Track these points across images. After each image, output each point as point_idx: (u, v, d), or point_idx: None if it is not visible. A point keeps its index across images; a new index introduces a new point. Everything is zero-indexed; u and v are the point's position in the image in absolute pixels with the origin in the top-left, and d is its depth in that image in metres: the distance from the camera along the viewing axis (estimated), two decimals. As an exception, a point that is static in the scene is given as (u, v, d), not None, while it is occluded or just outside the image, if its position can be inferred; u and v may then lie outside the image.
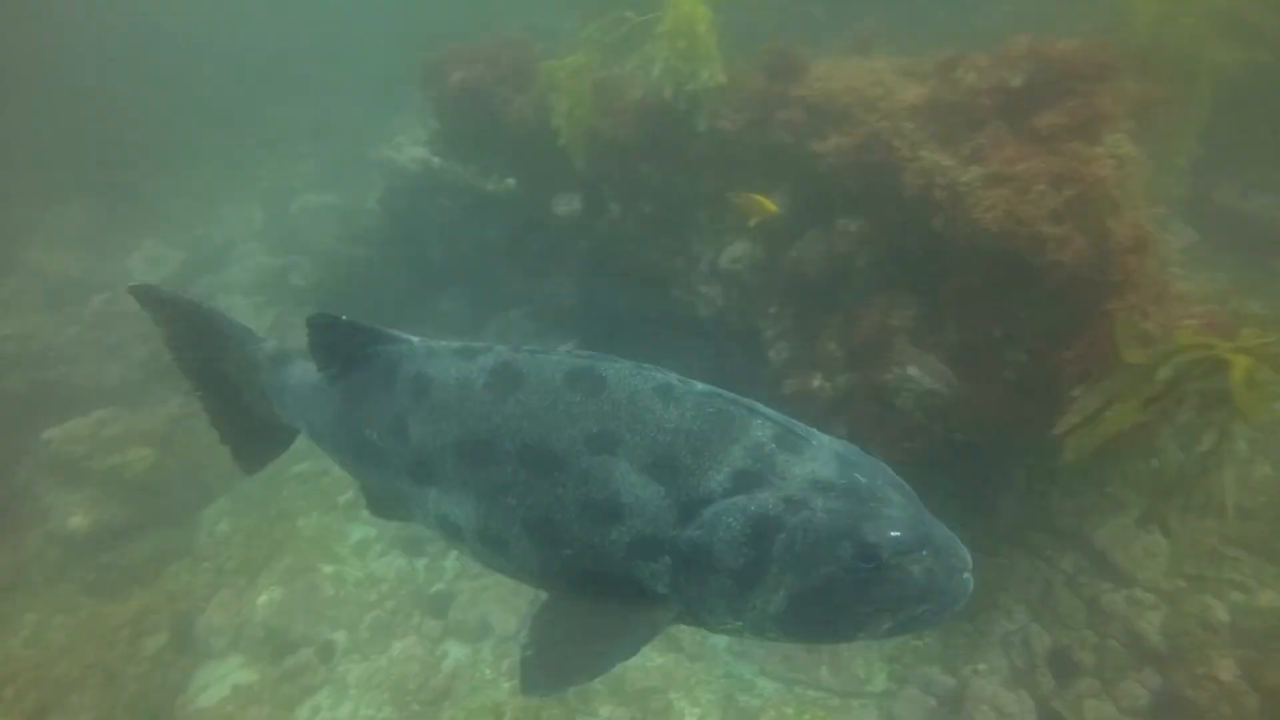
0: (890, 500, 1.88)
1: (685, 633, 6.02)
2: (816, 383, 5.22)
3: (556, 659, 1.92)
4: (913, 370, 4.58)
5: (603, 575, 2.00)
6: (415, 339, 2.39)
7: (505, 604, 6.42)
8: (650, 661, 5.91)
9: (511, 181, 7.22)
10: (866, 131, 4.78)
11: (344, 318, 2.40)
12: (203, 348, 2.98)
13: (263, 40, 15.92)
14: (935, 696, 5.47)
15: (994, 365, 4.53)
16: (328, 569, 7.02)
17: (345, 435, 2.48)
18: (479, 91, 6.42)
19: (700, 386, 2.05)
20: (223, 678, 6.27)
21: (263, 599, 6.62)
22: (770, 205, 5.28)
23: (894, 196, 4.62)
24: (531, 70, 6.25)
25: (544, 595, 2.14)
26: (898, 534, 1.82)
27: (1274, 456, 6.44)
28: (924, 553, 1.83)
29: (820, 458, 1.93)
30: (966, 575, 1.86)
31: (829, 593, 1.82)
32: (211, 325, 2.93)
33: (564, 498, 2.00)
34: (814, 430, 2.02)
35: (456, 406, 2.17)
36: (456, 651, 6.30)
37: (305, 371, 2.73)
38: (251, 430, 3.01)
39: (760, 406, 2.03)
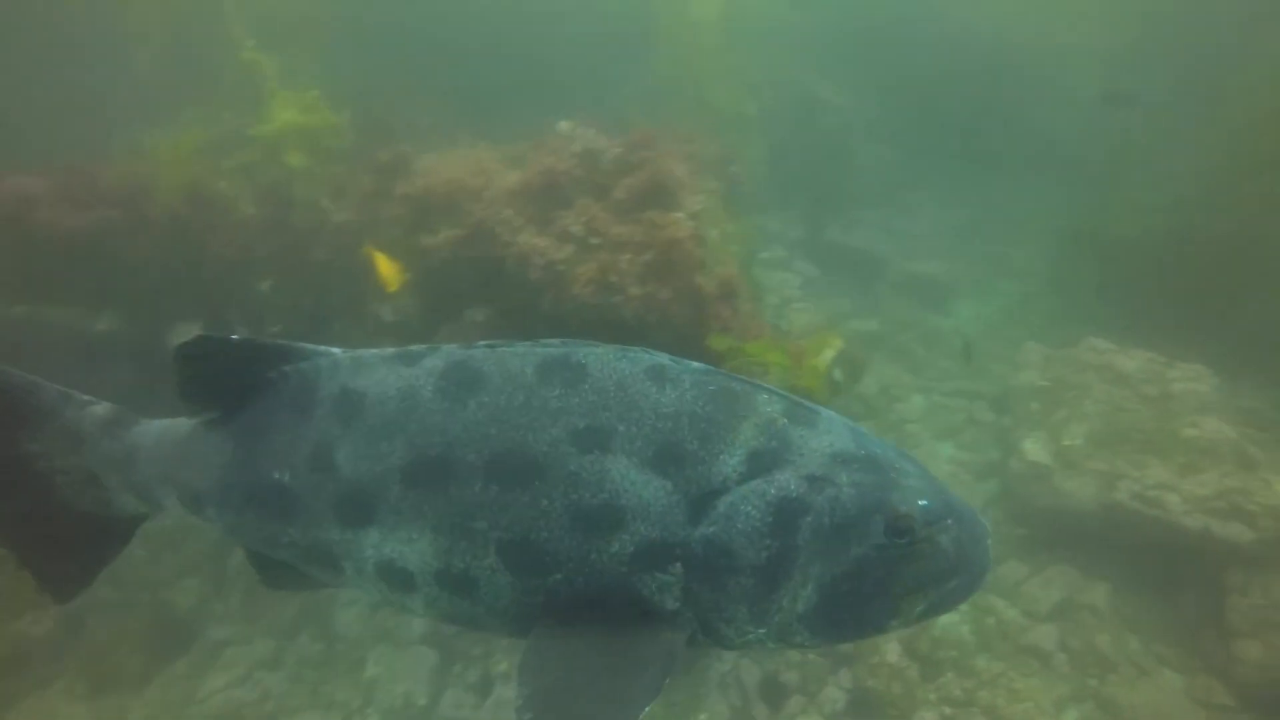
0: (907, 470, 1.77)
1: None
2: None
3: (567, 717, 1.55)
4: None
5: (599, 599, 1.68)
6: (337, 350, 2.00)
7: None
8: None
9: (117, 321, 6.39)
10: (473, 221, 4.85)
11: (235, 337, 2.00)
12: None
13: None
14: (663, 760, 5.43)
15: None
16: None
17: (242, 487, 1.99)
18: (41, 218, 5.61)
19: (696, 364, 1.82)
20: None
21: None
22: (394, 275, 5.04)
23: (508, 282, 4.70)
24: (110, 183, 5.62)
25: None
26: (925, 502, 1.70)
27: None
28: (949, 521, 1.72)
29: (835, 430, 1.78)
30: (989, 542, 1.78)
31: (861, 577, 1.65)
32: (10, 390, 2.14)
33: (549, 510, 1.69)
34: (817, 404, 1.87)
35: (401, 421, 1.81)
36: None
37: (166, 427, 2.18)
38: (70, 536, 2.23)
39: (761, 382, 1.84)
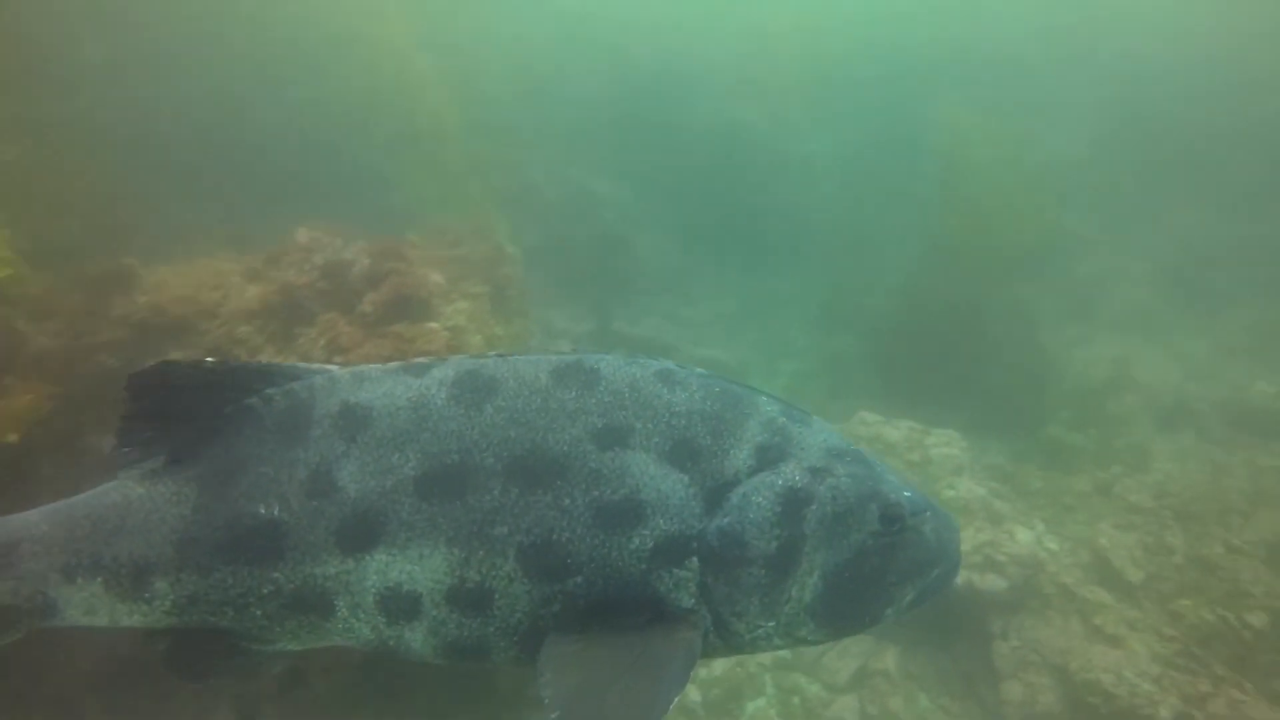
0: (885, 466, 1.91)
1: None
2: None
3: (598, 711, 1.55)
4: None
5: (616, 604, 1.72)
6: (334, 367, 1.95)
7: None
8: None
9: None
10: (209, 343, 4.37)
11: (209, 360, 1.88)
12: None
13: None
14: None
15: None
16: None
17: (212, 537, 1.78)
18: None
19: (699, 369, 1.96)
20: None
21: None
22: None
23: (248, 405, 4.25)
24: None
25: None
26: (909, 494, 1.85)
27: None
28: (929, 513, 1.85)
29: (825, 429, 1.92)
30: (960, 534, 1.92)
31: (860, 565, 1.77)
32: None
33: (571, 509, 1.73)
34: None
35: (413, 431, 1.79)
36: None
37: (65, 509, 1.84)
38: None
39: (754, 385, 1.98)
